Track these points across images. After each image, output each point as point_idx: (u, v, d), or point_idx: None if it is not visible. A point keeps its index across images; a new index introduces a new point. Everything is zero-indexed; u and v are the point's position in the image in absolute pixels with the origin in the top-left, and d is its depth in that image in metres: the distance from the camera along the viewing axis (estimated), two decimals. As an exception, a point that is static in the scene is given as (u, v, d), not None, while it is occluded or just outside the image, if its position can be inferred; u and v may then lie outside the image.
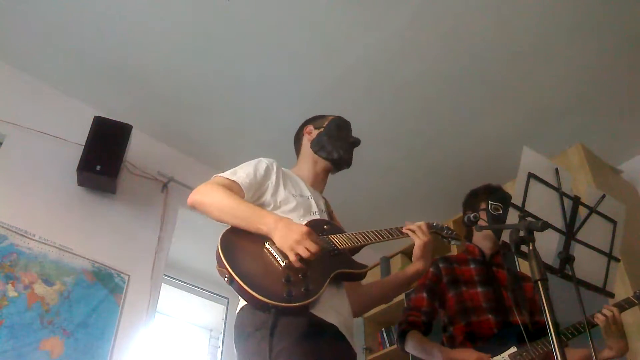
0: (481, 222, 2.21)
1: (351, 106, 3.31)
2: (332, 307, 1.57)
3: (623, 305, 2.05)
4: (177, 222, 3.53)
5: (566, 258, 1.70)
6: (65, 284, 2.83)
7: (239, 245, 1.54)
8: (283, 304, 1.41)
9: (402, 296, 3.33)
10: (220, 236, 1.55)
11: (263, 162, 1.82)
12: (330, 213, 1.94)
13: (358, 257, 1.76)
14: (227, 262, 1.46)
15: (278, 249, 1.52)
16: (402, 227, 1.85)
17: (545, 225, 1.46)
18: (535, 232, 1.45)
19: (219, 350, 4.09)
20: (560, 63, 3.18)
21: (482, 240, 2.33)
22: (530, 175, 1.71)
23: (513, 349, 1.98)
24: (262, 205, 1.73)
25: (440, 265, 2.29)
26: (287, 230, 1.51)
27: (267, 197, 1.76)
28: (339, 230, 1.76)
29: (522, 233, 1.46)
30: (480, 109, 3.49)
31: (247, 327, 1.51)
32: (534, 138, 3.55)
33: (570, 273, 1.66)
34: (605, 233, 1.85)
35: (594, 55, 3.12)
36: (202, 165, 3.78)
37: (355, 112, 3.11)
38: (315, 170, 1.98)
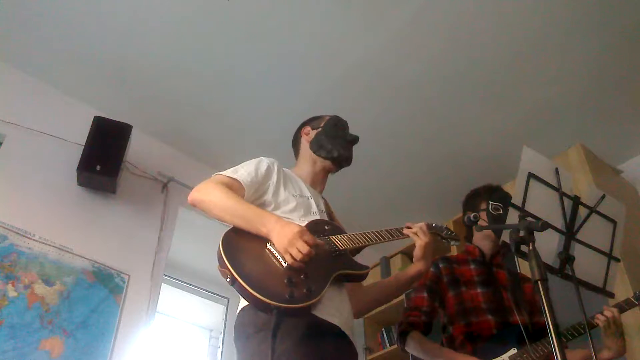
0: (481, 222, 2.20)
1: (351, 106, 3.31)
2: (334, 308, 1.57)
3: (623, 306, 2.04)
4: (177, 222, 3.53)
5: (566, 258, 1.70)
6: (65, 284, 2.83)
7: (241, 245, 1.54)
8: (285, 305, 1.41)
9: (402, 296, 3.32)
10: (222, 236, 1.55)
11: (264, 162, 1.82)
12: (330, 213, 1.94)
13: (358, 257, 1.76)
14: (229, 263, 1.46)
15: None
16: (402, 228, 1.86)
17: (545, 225, 1.46)
18: (535, 232, 1.45)
19: (219, 350, 4.09)
20: (560, 63, 3.18)
21: (482, 240, 2.33)
22: (530, 175, 1.71)
23: (513, 350, 1.97)
24: (263, 205, 1.73)
25: (440, 265, 2.29)
26: (282, 231, 1.51)
27: (268, 196, 1.76)
28: (339, 230, 1.76)
29: (522, 233, 1.46)
30: (480, 109, 3.49)
31: (248, 327, 1.51)
32: (534, 138, 3.55)
33: (570, 273, 1.66)
34: (605, 233, 1.85)
35: (594, 56, 3.12)
36: (202, 165, 3.78)
37: (355, 112, 3.12)
38: (314, 171, 1.98)
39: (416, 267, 1.85)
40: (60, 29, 3.04)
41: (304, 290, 1.45)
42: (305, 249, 1.47)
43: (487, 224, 2.23)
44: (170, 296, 3.98)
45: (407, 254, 4.01)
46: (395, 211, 4.21)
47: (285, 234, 1.50)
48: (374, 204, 4.20)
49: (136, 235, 3.28)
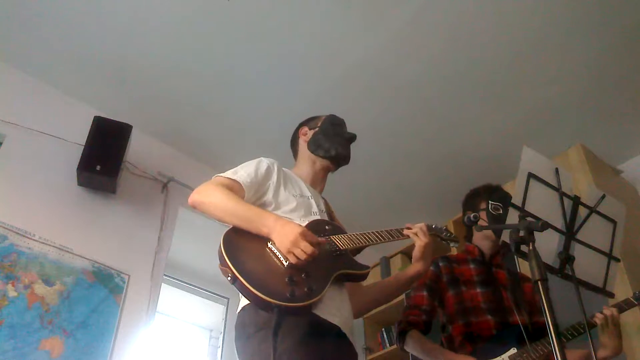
0: (481, 222, 2.20)
1: (351, 106, 3.31)
2: (334, 308, 1.57)
3: (622, 306, 2.05)
4: (177, 222, 3.53)
5: (566, 258, 1.70)
6: (65, 284, 2.83)
7: (242, 244, 1.55)
8: (286, 304, 1.41)
9: (402, 296, 3.32)
10: (223, 235, 1.55)
11: (264, 162, 1.82)
12: (330, 213, 1.94)
13: (358, 257, 1.76)
14: (230, 261, 1.47)
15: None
16: (403, 229, 1.86)
17: (545, 225, 1.46)
18: (535, 232, 1.45)
19: (219, 350, 4.09)
20: (560, 63, 3.18)
21: (482, 240, 2.33)
22: (530, 175, 1.71)
23: (513, 350, 1.97)
24: (263, 205, 1.74)
25: (440, 264, 2.29)
26: (284, 231, 1.52)
27: (268, 197, 1.76)
28: (340, 230, 1.77)
29: (522, 233, 1.46)
30: (480, 109, 3.49)
31: (248, 327, 1.51)
32: (534, 138, 3.55)
33: (570, 273, 1.66)
34: (605, 233, 1.85)
35: (594, 56, 3.12)
36: (202, 165, 3.78)
37: (355, 112, 3.13)
38: (314, 170, 1.98)
39: (415, 267, 1.85)
40: (60, 29, 3.04)
41: (305, 289, 1.45)
42: (309, 249, 1.48)
43: (486, 224, 2.23)
44: (170, 296, 3.98)
45: (407, 254, 4.01)
46: (395, 211, 4.21)
47: (287, 234, 1.50)
48: (373, 204, 4.20)
49: (136, 235, 3.28)
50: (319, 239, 1.57)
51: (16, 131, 3.05)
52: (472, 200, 2.38)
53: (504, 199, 2.25)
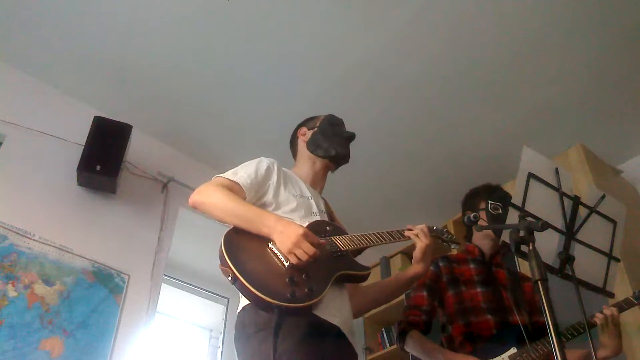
0: (481, 222, 2.20)
1: (351, 106, 3.31)
2: (335, 308, 1.57)
3: (622, 306, 2.05)
4: (177, 222, 3.53)
5: (566, 258, 1.70)
6: (65, 284, 2.83)
7: (243, 244, 1.55)
8: (287, 304, 1.41)
9: (402, 296, 3.32)
10: (223, 235, 1.55)
11: (264, 162, 1.82)
12: (330, 213, 1.94)
13: (358, 258, 1.76)
14: (231, 261, 1.47)
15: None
16: (404, 230, 1.87)
17: (545, 225, 1.46)
18: (535, 232, 1.45)
19: (219, 350, 4.09)
20: (560, 63, 3.18)
21: (481, 240, 2.33)
22: (530, 175, 1.71)
23: (513, 350, 1.97)
24: (263, 206, 1.73)
25: (440, 264, 2.29)
26: (285, 232, 1.52)
27: (269, 197, 1.76)
28: (341, 231, 1.77)
29: (522, 233, 1.46)
30: (480, 109, 3.49)
31: (248, 327, 1.51)
32: (534, 138, 3.55)
33: (570, 273, 1.66)
34: (605, 233, 1.85)
35: (594, 56, 3.12)
36: (202, 165, 3.78)
37: (355, 112, 3.14)
38: (314, 171, 1.98)
39: (415, 268, 1.86)
40: (60, 29, 3.04)
41: (306, 290, 1.45)
42: (311, 250, 1.48)
43: (486, 224, 2.23)
44: (170, 296, 3.98)
45: (407, 254, 4.01)
46: (395, 211, 4.22)
47: (288, 234, 1.51)
48: (373, 204, 4.20)
49: (136, 235, 3.28)
50: (320, 240, 1.57)
51: (16, 131, 3.05)
52: (472, 200, 2.38)
53: (504, 199, 2.25)
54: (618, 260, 1.86)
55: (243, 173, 1.74)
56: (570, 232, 1.75)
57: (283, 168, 1.89)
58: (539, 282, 1.33)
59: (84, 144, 3.13)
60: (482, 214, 2.26)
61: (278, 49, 3.14)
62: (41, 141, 3.13)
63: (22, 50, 3.16)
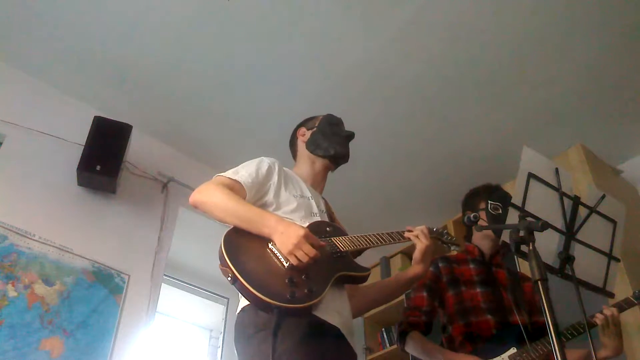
0: (481, 222, 2.20)
1: (351, 106, 3.31)
2: (334, 309, 1.57)
3: (622, 306, 2.05)
4: (177, 222, 3.53)
5: (566, 258, 1.70)
6: (65, 284, 2.83)
7: (243, 245, 1.55)
8: (286, 305, 1.41)
9: (402, 296, 3.33)
10: (223, 235, 1.55)
11: (265, 162, 1.82)
12: (331, 214, 1.94)
13: (358, 259, 1.76)
14: (231, 262, 1.47)
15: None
16: (404, 231, 1.87)
17: (545, 225, 1.46)
18: (535, 232, 1.45)
19: (219, 350, 4.09)
20: (560, 63, 3.18)
21: (481, 240, 2.33)
22: (530, 175, 1.71)
23: (513, 350, 1.97)
24: (264, 206, 1.73)
25: (440, 265, 2.29)
26: (286, 233, 1.52)
27: (269, 197, 1.75)
28: (341, 232, 1.77)
29: (522, 233, 1.46)
30: (480, 109, 3.49)
31: (248, 327, 1.51)
32: (534, 138, 3.55)
33: (570, 273, 1.66)
34: (605, 233, 1.85)
35: (594, 56, 3.12)
36: (202, 165, 3.78)
37: (355, 112, 3.14)
38: (314, 171, 1.98)
39: (415, 269, 1.86)
40: (60, 29, 3.04)
41: (305, 291, 1.45)
42: (311, 252, 1.49)
43: (486, 224, 2.23)
44: (170, 296, 3.98)
45: (407, 254, 4.01)
46: (395, 211, 4.22)
47: (289, 235, 1.50)
48: (373, 204, 4.20)
49: (136, 235, 3.28)
50: (321, 242, 1.57)
51: (16, 131, 3.05)
52: (472, 200, 2.38)
53: (504, 199, 2.25)
54: (618, 260, 1.86)
55: (244, 172, 1.74)
56: (570, 232, 1.75)
57: (284, 168, 1.89)
58: (539, 282, 1.33)
59: (84, 144, 3.13)
60: (482, 214, 2.26)
61: (278, 49, 3.14)
62: (41, 141, 3.13)
63: (22, 50, 3.16)
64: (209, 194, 1.66)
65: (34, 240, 2.84)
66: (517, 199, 1.68)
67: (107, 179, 3.13)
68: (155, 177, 3.53)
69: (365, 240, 1.75)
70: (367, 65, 3.23)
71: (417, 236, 1.84)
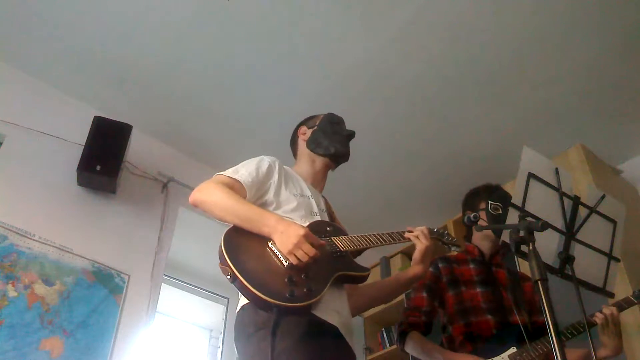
0: (481, 222, 2.20)
1: (351, 106, 3.31)
2: (333, 309, 1.57)
3: (622, 305, 2.05)
4: (177, 222, 3.53)
5: (566, 258, 1.70)
6: (65, 284, 2.83)
7: (243, 243, 1.55)
8: (285, 304, 1.41)
9: (402, 296, 3.33)
10: (223, 234, 1.55)
11: (265, 160, 1.81)
12: (331, 214, 1.94)
13: (358, 259, 1.76)
14: (231, 260, 1.47)
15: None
16: (404, 232, 1.86)
17: (545, 225, 1.46)
18: (535, 232, 1.45)
19: (219, 350, 4.09)
20: (560, 63, 3.18)
21: (481, 240, 2.33)
22: (530, 175, 1.71)
23: (513, 350, 1.98)
24: (264, 205, 1.73)
25: (440, 265, 2.29)
26: (286, 232, 1.52)
27: (270, 196, 1.75)
28: (341, 232, 1.77)
29: (522, 233, 1.46)
30: (480, 109, 3.49)
31: (248, 326, 1.51)
32: (534, 138, 3.55)
33: (570, 273, 1.66)
34: (605, 233, 1.85)
35: (594, 55, 3.12)
36: (202, 165, 3.78)
37: (355, 111, 3.13)
38: (314, 169, 1.97)
39: (414, 270, 1.86)
40: (60, 29, 3.04)
41: (305, 290, 1.45)
42: (311, 251, 1.49)
43: (486, 224, 2.23)
44: (170, 296, 3.98)
45: (407, 254, 4.01)
46: (395, 211, 4.22)
47: (289, 235, 1.51)
48: (373, 203, 4.20)
49: (136, 235, 3.28)
50: (321, 241, 1.57)
51: (16, 131, 3.05)
52: (472, 200, 2.38)
53: (504, 199, 2.25)
54: (618, 260, 1.86)
55: (244, 171, 1.74)
56: (570, 232, 1.75)
57: (284, 166, 1.89)
58: (539, 282, 1.34)
59: (84, 144, 3.14)
60: (482, 214, 2.26)
61: (278, 49, 3.14)
62: (41, 141, 3.13)
63: (22, 50, 3.16)
64: (209, 193, 1.65)
65: (34, 240, 2.84)
66: (517, 199, 1.68)
67: (107, 179, 3.13)
68: (155, 177, 3.53)
69: (365, 240, 1.75)
70: (367, 65, 3.23)
71: (417, 237, 1.84)
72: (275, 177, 1.79)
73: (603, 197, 1.83)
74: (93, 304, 2.88)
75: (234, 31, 3.04)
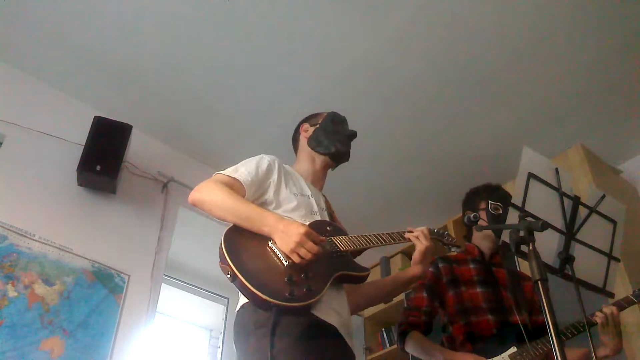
0: (481, 222, 2.20)
1: (351, 106, 3.30)
2: (333, 308, 1.57)
3: (622, 304, 2.04)
4: (177, 222, 3.53)
5: (566, 258, 1.70)
6: (65, 284, 2.83)
7: (243, 243, 1.55)
8: (285, 303, 1.42)
9: (402, 296, 3.33)
10: (223, 233, 1.55)
11: (265, 159, 1.81)
12: (331, 213, 1.94)
13: (358, 259, 1.76)
14: (231, 260, 1.47)
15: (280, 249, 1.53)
16: (404, 232, 1.87)
17: (545, 225, 1.46)
18: (535, 232, 1.45)
19: (219, 350, 4.09)
20: (560, 63, 3.18)
21: (481, 240, 2.33)
22: (530, 175, 1.71)
23: (513, 349, 1.98)
24: (264, 204, 1.73)
25: (440, 265, 2.29)
26: (287, 231, 1.52)
27: (269, 195, 1.75)
28: (341, 232, 1.77)
29: (522, 233, 1.46)
30: (480, 108, 3.49)
31: (248, 325, 1.51)
32: (534, 138, 3.55)
33: (570, 273, 1.66)
34: (605, 233, 1.85)
35: (594, 55, 3.12)
36: (202, 165, 3.78)
37: (355, 111, 3.11)
38: (314, 168, 1.97)
39: (414, 270, 1.86)
40: (60, 29, 3.04)
41: (304, 290, 1.46)
42: (314, 249, 1.49)
43: (486, 224, 2.23)
44: (170, 296, 3.98)
45: (407, 254, 4.01)
46: (395, 210, 4.21)
47: (290, 234, 1.51)
48: (373, 203, 4.20)
49: (136, 235, 3.28)
50: (322, 240, 1.58)
51: (16, 131, 3.05)
52: (472, 199, 2.38)
53: (504, 199, 2.25)
54: (618, 260, 1.86)
55: (244, 170, 1.74)
56: (570, 232, 1.75)
57: (284, 165, 1.88)
58: (539, 282, 1.34)
59: (84, 144, 3.13)
60: (482, 214, 2.26)
61: (278, 49, 3.14)
62: (41, 141, 3.13)
63: (22, 50, 3.16)
64: (208, 192, 1.65)
65: (34, 240, 2.84)
66: (517, 199, 1.68)
67: (107, 179, 3.13)
68: (155, 177, 3.53)
69: (366, 240, 1.75)
70: (367, 65, 3.23)
71: (417, 237, 1.84)
72: (275, 176, 1.79)
73: (603, 197, 1.83)
74: (93, 304, 2.88)
75: (234, 31, 3.04)
